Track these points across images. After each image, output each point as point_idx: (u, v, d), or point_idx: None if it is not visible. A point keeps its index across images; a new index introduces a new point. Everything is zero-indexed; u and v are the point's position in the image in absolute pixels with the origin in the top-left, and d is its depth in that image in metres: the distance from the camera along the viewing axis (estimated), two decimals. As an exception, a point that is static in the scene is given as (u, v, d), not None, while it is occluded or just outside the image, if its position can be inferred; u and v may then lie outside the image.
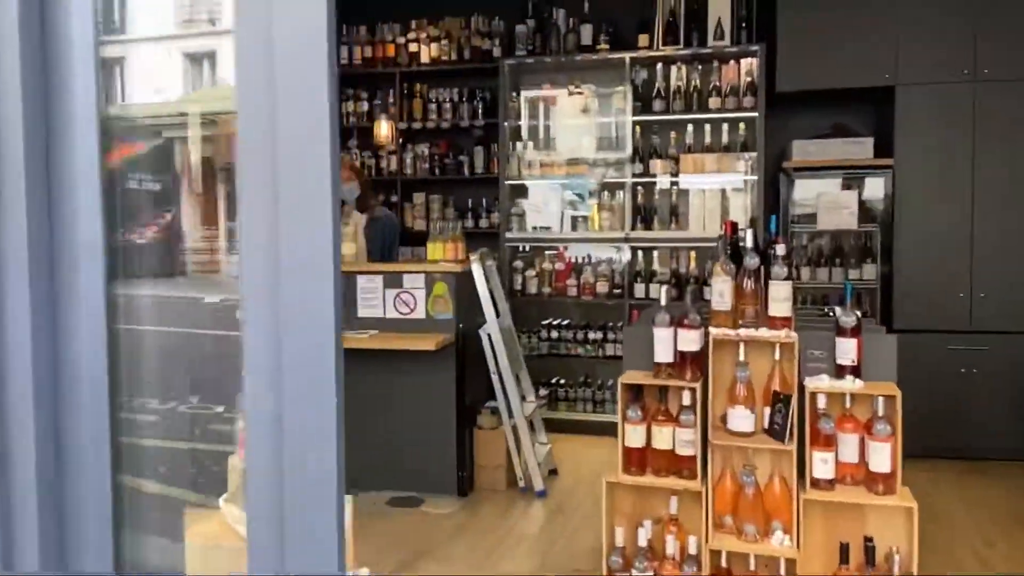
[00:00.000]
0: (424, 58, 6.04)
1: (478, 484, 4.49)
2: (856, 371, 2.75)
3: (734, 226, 3.05)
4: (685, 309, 2.88)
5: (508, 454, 4.45)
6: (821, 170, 5.23)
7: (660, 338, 2.87)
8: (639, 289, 5.57)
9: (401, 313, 4.40)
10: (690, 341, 2.83)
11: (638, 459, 2.90)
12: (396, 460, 4.42)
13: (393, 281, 4.41)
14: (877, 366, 2.82)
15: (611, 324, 5.70)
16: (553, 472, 4.74)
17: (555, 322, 5.84)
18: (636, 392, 2.92)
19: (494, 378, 4.39)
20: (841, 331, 2.76)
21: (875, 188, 5.22)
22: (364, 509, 4.20)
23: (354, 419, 4.29)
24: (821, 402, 2.72)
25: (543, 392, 5.70)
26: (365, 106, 6.13)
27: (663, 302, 2.91)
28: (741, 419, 2.80)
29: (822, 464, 2.72)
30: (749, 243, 2.84)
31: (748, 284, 2.83)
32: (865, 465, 2.72)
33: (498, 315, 4.50)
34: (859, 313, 2.82)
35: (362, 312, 4.44)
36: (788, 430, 2.73)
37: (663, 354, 2.87)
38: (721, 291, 2.83)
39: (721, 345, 2.84)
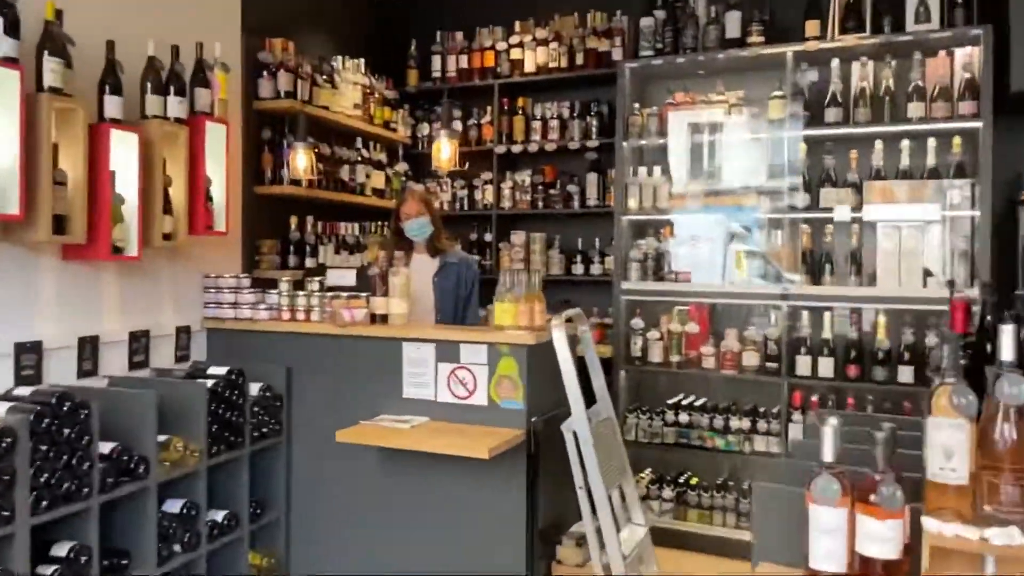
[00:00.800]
0: (528, 66, 4.91)
1: (558, 641, 3.20)
2: None
3: (967, 311, 1.65)
4: (874, 463, 1.51)
5: (601, 601, 3.14)
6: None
7: (822, 525, 1.51)
8: (802, 363, 4.09)
9: (457, 396, 3.24)
10: (882, 538, 1.46)
11: None
12: (445, 599, 3.23)
13: (448, 352, 3.26)
14: None
15: (763, 409, 4.26)
16: (669, 624, 3.39)
17: (686, 401, 4.46)
18: (772, 616, 1.58)
19: (580, 495, 3.11)
20: None
21: None
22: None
23: (390, 537, 3.04)
24: None
25: (667, 494, 4.34)
26: (458, 126, 5.08)
27: (828, 453, 1.54)
28: None
29: None
30: (1007, 351, 1.44)
31: (1005, 433, 1.43)
32: None
33: (591, 403, 3.23)
34: None
35: (408, 391, 3.32)
36: None
37: (828, 556, 1.51)
38: (948, 446, 1.44)
39: (948, 554, 1.45)
